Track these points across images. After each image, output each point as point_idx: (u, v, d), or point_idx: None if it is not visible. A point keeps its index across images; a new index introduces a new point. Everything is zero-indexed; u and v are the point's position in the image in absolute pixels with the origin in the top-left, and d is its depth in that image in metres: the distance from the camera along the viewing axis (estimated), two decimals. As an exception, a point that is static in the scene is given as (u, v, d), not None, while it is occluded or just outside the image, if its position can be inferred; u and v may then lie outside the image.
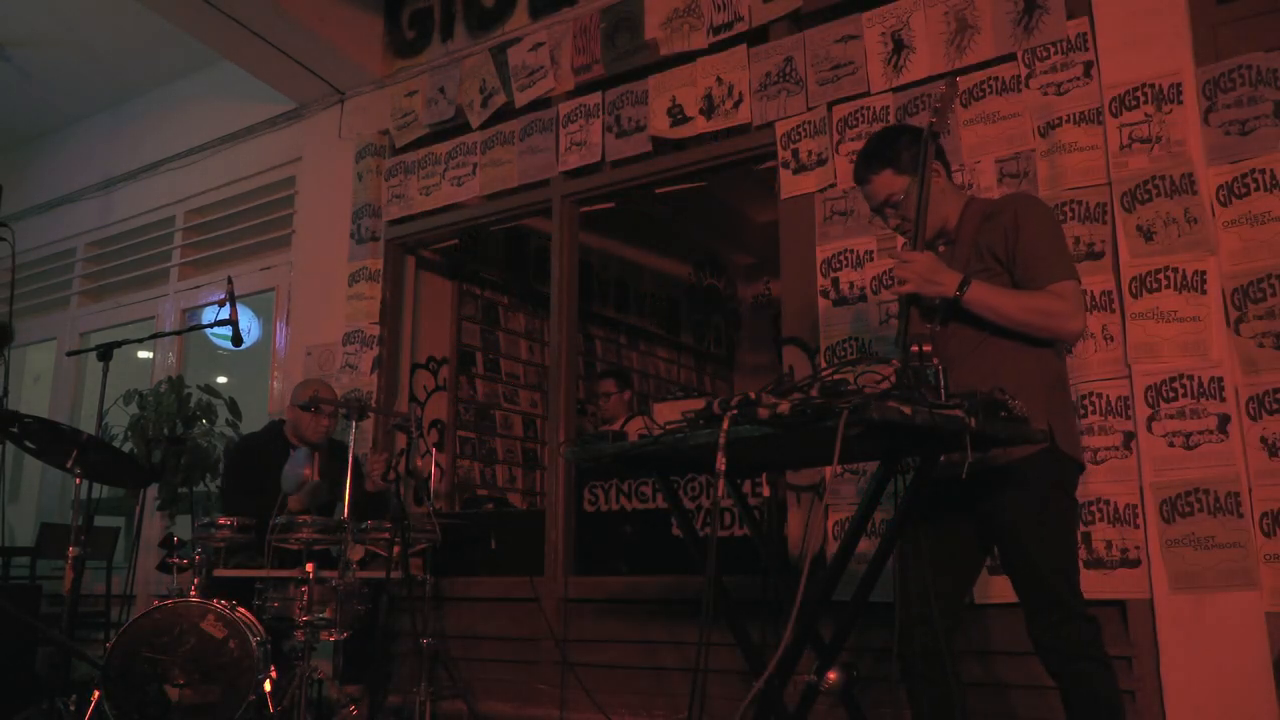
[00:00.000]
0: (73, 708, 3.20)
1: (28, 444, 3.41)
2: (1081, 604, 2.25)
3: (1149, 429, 2.95)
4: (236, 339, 3.57)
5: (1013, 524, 2.26)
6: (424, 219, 5.01)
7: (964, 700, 2.37)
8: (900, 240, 2.59)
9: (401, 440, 4.69)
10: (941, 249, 2.49)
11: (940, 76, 3.54)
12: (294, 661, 3.35)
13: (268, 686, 3.18)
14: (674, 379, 7.73)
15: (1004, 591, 2.54)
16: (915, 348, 2.23)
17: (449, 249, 5.55)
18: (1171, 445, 2.92)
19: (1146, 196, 3.07)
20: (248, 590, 3.48)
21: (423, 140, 5.05)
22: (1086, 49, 3.28)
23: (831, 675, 2.28)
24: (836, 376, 2.02)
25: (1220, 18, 3.11)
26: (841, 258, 3.66)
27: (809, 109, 3.82)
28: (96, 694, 3.16)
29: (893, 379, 2.06)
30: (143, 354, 6.51)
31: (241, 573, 3.63)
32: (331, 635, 3.37)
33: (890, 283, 3.53)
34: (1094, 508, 3.01)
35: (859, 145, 3.64)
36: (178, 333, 5.87)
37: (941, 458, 2.17)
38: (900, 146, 2.43)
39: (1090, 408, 3.07)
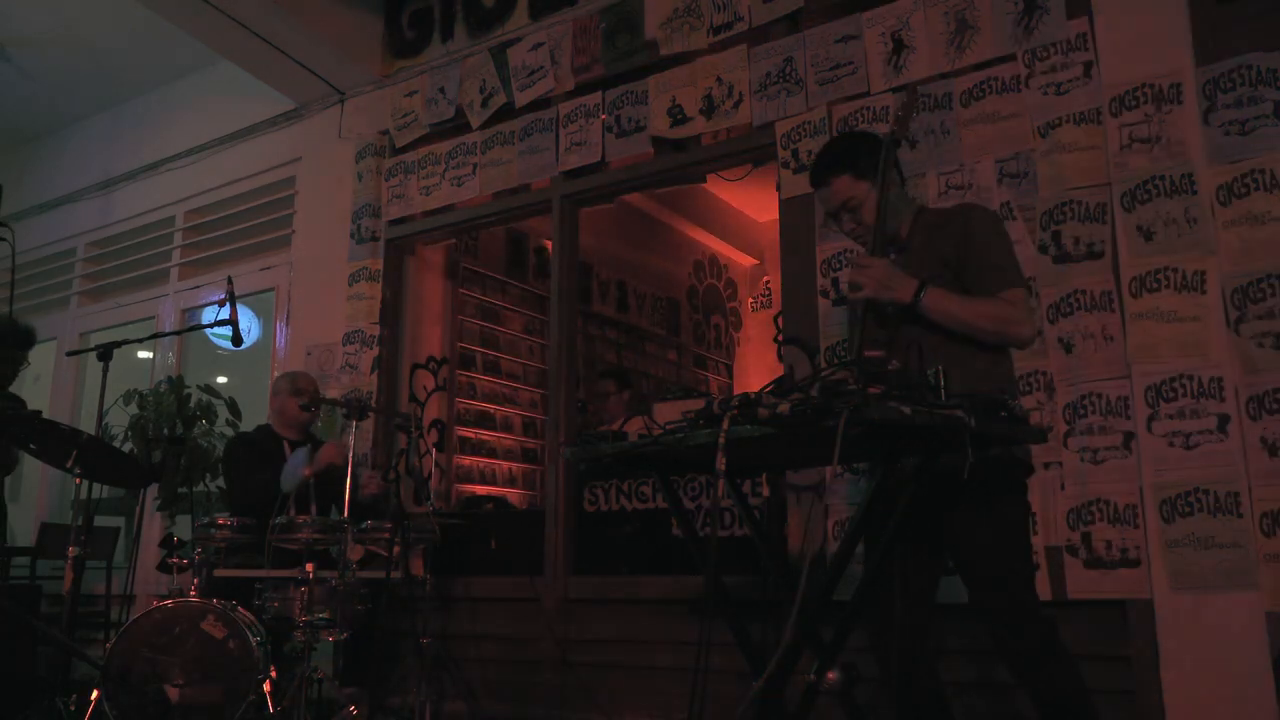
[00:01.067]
0: (73, 708, 3.20)
1: (28, 444, 3.41)
2: (1038, 604, 2.30)
3: (1149, 429, 2.95)
4: (236, 339, 3.57)
5: (970, 528, 2.29)
6: (424, 219, 5.01)
7: (943, 701, 2.39)
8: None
9: (402, 440, 4.70)
10: (893, 257, 2.51)
11: (940, 77, 3.55)
12: (294, 661, 3.35)
13: (268, 686, 3.18)
14: (674, 379, 7.73)
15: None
16: (870, 353, 2.25)
17: (449, 249, 5.55)
18: (1171, 445, 2.91)
19: (1146, 196, 3.07)
20: (248, 590, 3.48)
21: (423, 140, 5.05)
22: (1086, 49, 3.27)
23: (831, 675, 2.28)
24: (836, 376, 2.02)
25: (1220, 18, 3.10)
26: (841, 258, 3.66)
27: (809, 109, 3.82)
28: (96, 694, 3.16)
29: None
30: (143, 354, 6.50)
31: (241, 573, 3.63)
32: (331, 635, 3.37)
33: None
34: (1094, 508, 3.01)
35: (859, 145, 3.67)
36: (178, 333, 5.86)
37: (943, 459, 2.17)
38: (861, 152, 2.49)
39: (1090, 408, 3.07)
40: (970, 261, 2.37)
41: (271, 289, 5.70)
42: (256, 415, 5.34)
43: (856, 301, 2.43)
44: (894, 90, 3.63)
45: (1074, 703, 2.21)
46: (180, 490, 5.25)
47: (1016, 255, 2.47)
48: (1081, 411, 3.08)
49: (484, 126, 4.79)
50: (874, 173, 2.44)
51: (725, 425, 2.00)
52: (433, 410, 5.42)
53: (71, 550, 3.21)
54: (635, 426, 2.43)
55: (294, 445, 4.20)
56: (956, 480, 2.21)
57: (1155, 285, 3.01)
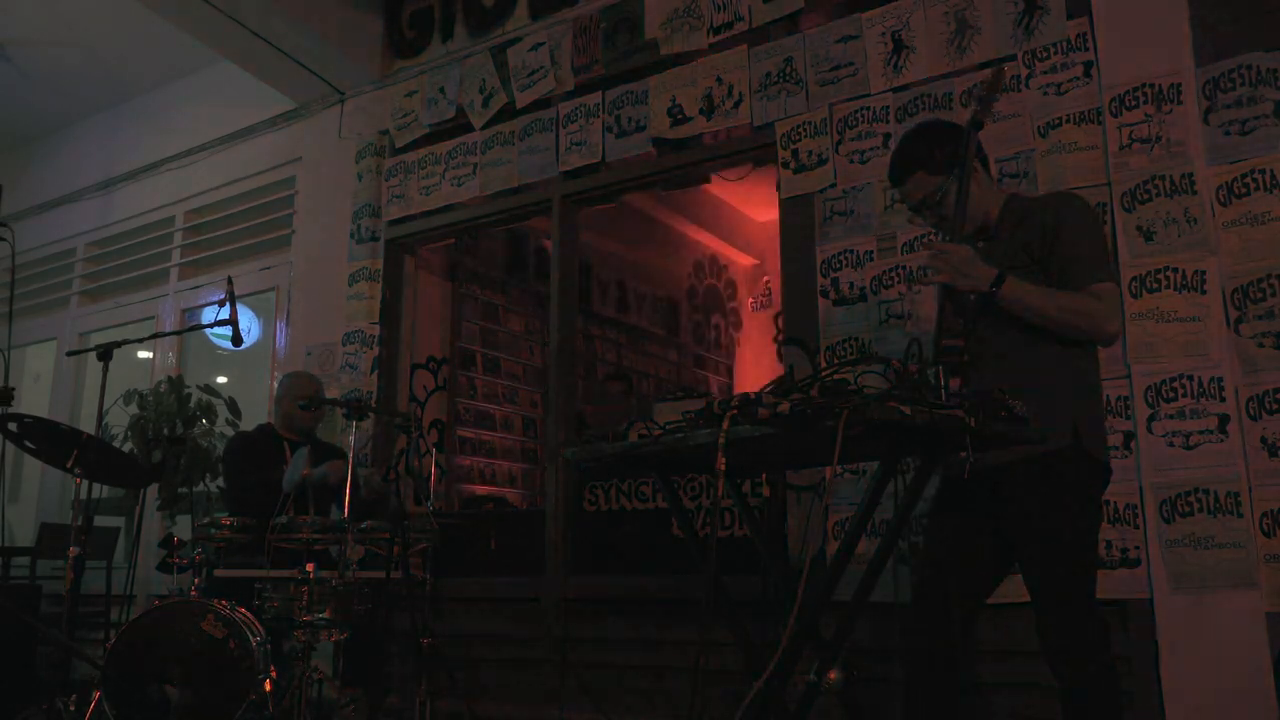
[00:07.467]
0: (73, 708, 3.21)
1: (28, 444, 3.41)
2: (1091, 605, 2.22)
3: (1149, 429, 2.95)
4: (236, 339, 3.57)
5: (1023, 520, 2.24)
6: (424, 219, 5.01)
7: (960, 699, 2.37)
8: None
9: (401, 440, 4.70)
10: (980, 245, 2.44)
11: (940, 77, 3.54)
12: (294, 661, 3.35)
13: (268, 686, 3.18)
14: (674, 379, 7.73)
15: (1007, 592, 2.53)
16: (948, 343, 2.21)
17: (449, 249, 5.55)
18: (1171, 445, 2.91)
19: (1146, 196, 3.07)
20: (248, 590, 3.48)
21: (423, 140, 5.05)
22: (1086, 49, 3.28)
23: (831, 675, 2.28)
24: (836, 376, 2.02)
25: (1220, 18, 3.10)
26: (841, 258, 3.66)
27: (809, 109, 3.82)
28: (96, 694, 3.16)
29: (892, 377, 2.06)
30: (143, 354, 6.50)
31: (241, 573, 3.63)
32: (331, 635, 3.37)
33: (894, 281, 3.53)
34: (1094, 508, 3.01)
35: (859, 145, 3.67)
36: (178, 333, 5.87)
37: (964, 455, 2.15)
38: (932, 146, 2.40)
39: (1090, 408, 3.07)
40: (1056, 253, 2.28)
41: (271, 289, 5.70)
42: (257, 415, 5.35)
43: (957, 292, 2.31)
44: (894, 90, 3.63)
45: (1104, 711, 2.15)
46: (180, 490, 5.25)
47: (1107, 247, 2.36)
48: (1081, 411, 3.07)
49: (484, 127, 4.79)
50: (949, 165, 2.35)
51: (725, 425, 2.00)
52: (433, 410, 5.41)
53: (71, 550, 3.21)
54: (638, 427, 2.42)
55: (294, 446, 4.20)
56: (1019, 472, 2.20)
57: (1155, 285, 3.01)
